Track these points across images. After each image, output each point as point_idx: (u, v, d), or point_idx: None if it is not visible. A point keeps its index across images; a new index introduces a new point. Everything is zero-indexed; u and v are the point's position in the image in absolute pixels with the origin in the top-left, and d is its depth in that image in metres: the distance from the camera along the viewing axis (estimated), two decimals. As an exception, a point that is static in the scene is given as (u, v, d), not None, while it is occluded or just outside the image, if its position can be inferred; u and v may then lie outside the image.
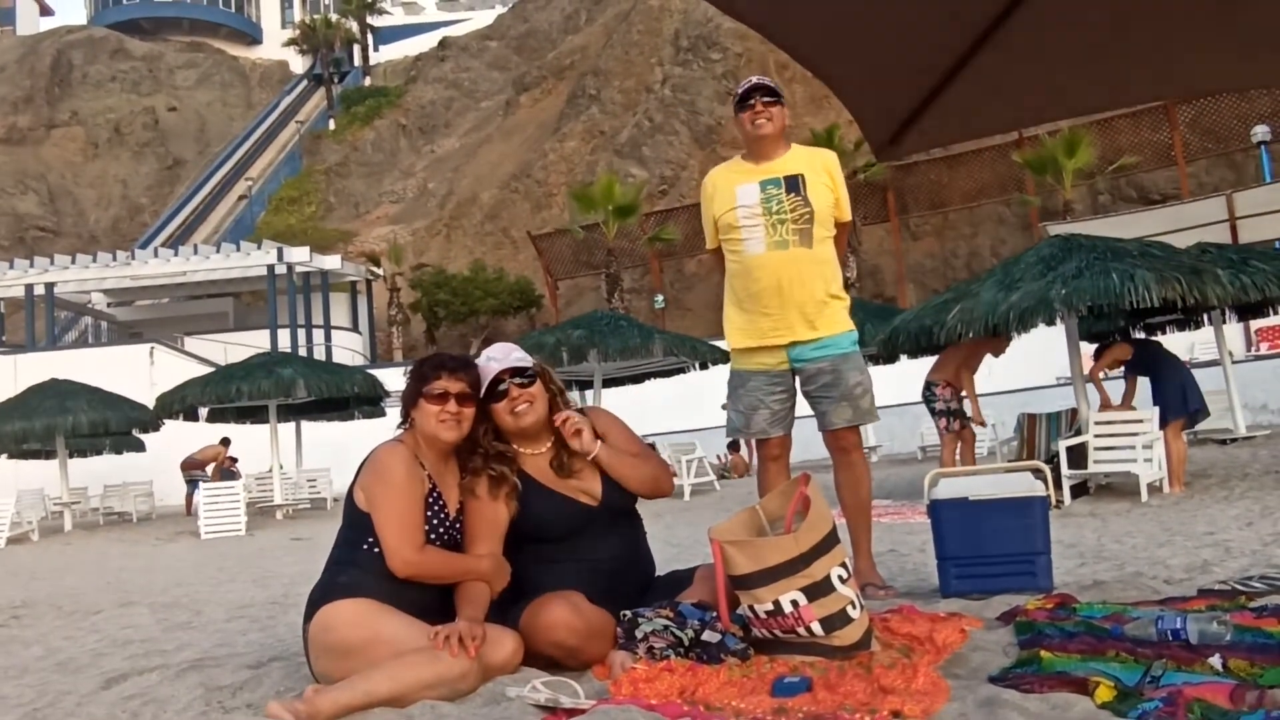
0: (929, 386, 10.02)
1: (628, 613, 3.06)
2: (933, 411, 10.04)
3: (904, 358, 11.35)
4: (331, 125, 55.60)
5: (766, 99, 4.28)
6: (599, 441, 3.28)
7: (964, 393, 10.09)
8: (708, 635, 2.98)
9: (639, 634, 3.00)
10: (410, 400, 3.19)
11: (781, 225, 4.23)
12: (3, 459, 21.39)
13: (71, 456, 20.81)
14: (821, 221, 4.29)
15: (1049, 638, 2.85)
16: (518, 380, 3.25)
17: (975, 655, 2.82)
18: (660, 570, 3.54)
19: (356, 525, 3.07)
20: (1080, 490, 9.28)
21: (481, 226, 40.80)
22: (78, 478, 21.26)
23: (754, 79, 4.43)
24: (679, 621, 3.03)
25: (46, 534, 18.07)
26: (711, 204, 4.41)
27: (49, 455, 20.11)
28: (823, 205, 4.30)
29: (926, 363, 11.58)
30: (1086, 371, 9.69)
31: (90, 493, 21.79)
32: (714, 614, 3.04)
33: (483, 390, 3.20)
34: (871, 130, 3.26)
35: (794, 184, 4.27)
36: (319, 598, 3.01)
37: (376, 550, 3.01)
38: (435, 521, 3.11)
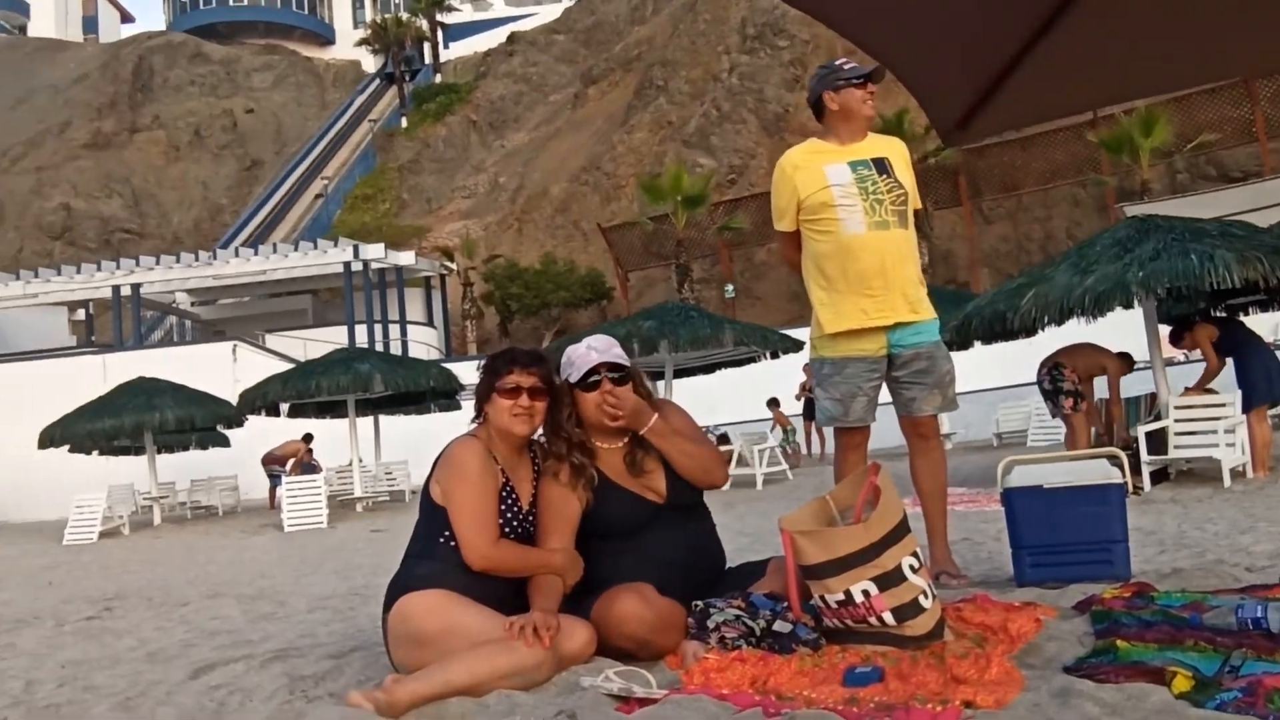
0: (1058, 366, 9.79)
1: (699, 603, 3.09)
2: (1059, 392, 9.80)
3: (977, 344, 11.20)
4: (404, 123, 56.32)
5: (873, 85, 4.26)
6: (654, 415, 3.29)
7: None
8: (779, 625, 2.99)
9: (711, 624, 3.02)
10: (483, 394, 3.25)
11: (880, 206, 4.18)
12: (95, 455, 22.12)
13: (160, 452, 21.44)
14: (911, 203, 4.28)
15: (1125, 627, 2.81)
16: (612, 375, 3.29)
17: (1050, 645, 2.80)
18: (733, 562, 3.55)
19: (432, 519, 3.14)
20: (1160, 476, 9.08)
21: (552, 220, 41.05)
22: (166, 473, 21.91)
23: (851, 61, 4.34)
24: (750, 612, 3.05)
25: (137, 528, 18.65)
26: (793, 183, 4.31)
27: (138, 451, 20.72)
28: (910, 188, 4.29)
29: (1001, 349, 11.39)
30: (1165, 354, 9.47)
31: (178, 487, 22.45)
32: (785, 604, 3.05)
33: (579, 376, 3.24)
34: (938, 115, 3.23)
35: (882, 166, 4.24)
36: (397, 589, 3.09)
37: (453, 544, 3.08)
38: (509, 515, 3.17)
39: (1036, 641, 2.83)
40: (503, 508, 3.16)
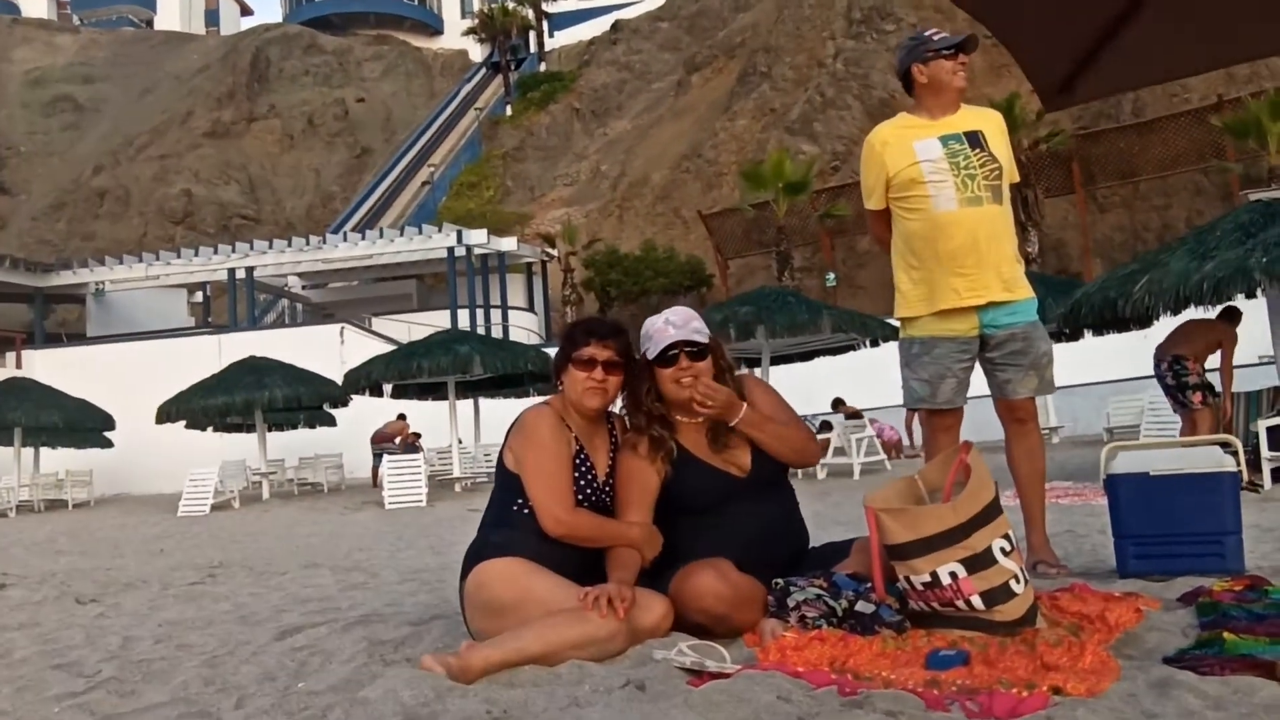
0: (1179, 360, 9.43)
1: (780, 581, 3.01)
2: (1184, 387, 9.44)
3: (1088, 334, 10.83)
4: (508, 111, 56.91)
5: (964, 55, 4.10)
6: (744, 405, 3.21)
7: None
8: (862, 606, 2.90)
9: (791, 602, 2.94)
10: (560, 364, 3.22)
11: (972, 181, 4.02)
12: (210, 432, 22.93)
13: (270, 430, 22.12)
14: (1007, 178, 4.11)
15: (1234, 619, 2.65)
16: (689, 350, 3.22)
17: (1151, 636, 2.65)
18: (813, 541, 3.46)
19: (507, 487, 3.13)
20: (1283, 474, 8.63)
21: (653, 207, 41.03)
22: (275, 450, 22.59)
23: (941, 32, 4.19)
24: (833, 591, 2.96)
25: (246, 502, 19.26)
26: (883, 160, 4.17)
27: (249, 429, 21.41)
28: (1006, 161, 4.12)
29: (1112, 339, 10.99)
30: None
31: (286, 464, 23.12)
32: (869, 585, 2.95)
33: (656, 352, 3.19)
34: (1038, 76, 3.10)
35: (975, 139, 4.07)
36: (473, 556, 3.09)
37: (527, 511, 3.05)
38: (584, 484, 3.13)
39: (1136, 632, 2.68)
40: (577, 476, 3.12)
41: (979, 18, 2.94)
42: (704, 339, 3.25)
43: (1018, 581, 2.77)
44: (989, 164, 4.06)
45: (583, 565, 3.03)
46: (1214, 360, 9.71)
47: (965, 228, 4.03)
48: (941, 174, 4.05)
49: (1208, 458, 3.66)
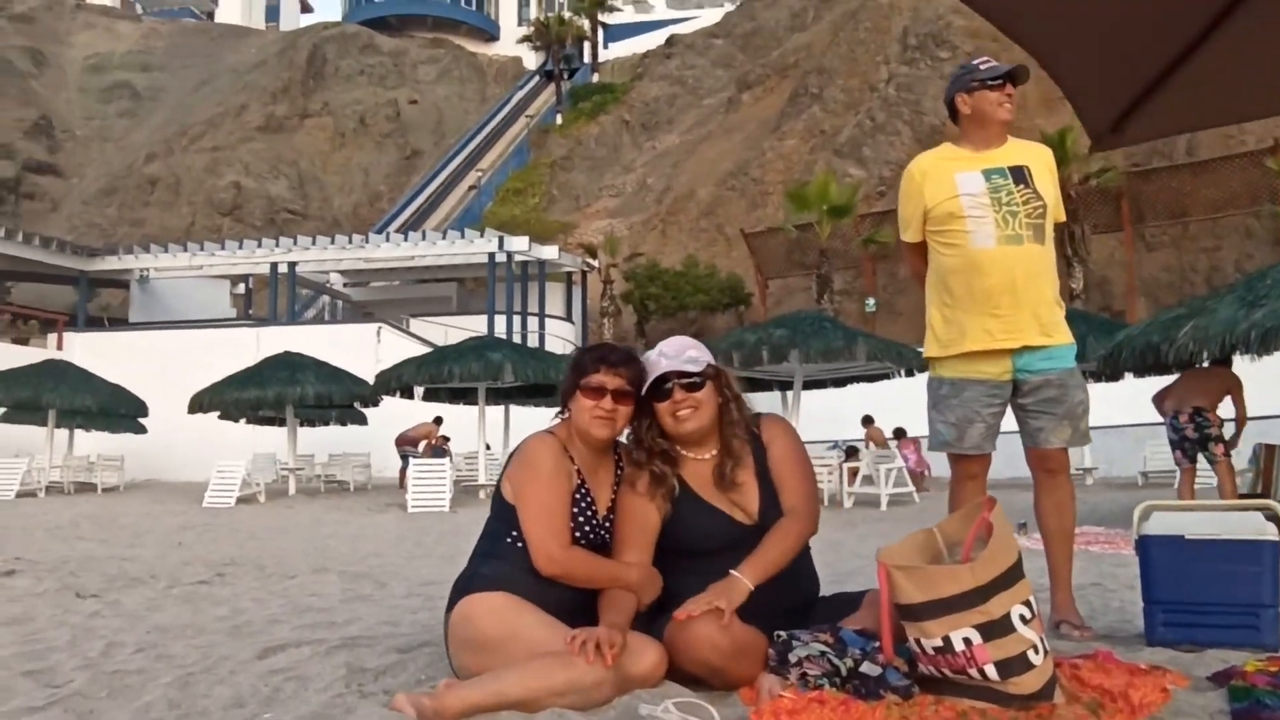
0: (1200, 413, 9.26)
1: (783, 634, 2.84)
2: (1208, 439, 9.29)
3: (1128, 374, 10.56)
4: (559, 120, 57.08)
5: (1013, 86, 3.93)
6: (744, 590, 2.89)
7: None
8: (867, 667, 2.72)
9: (793, 658, 2.77)
10: (568, 390, 3.08)
11: (1014, 218, 3.83)
12: (243, 424, 23.04)
13: (301, 425, 22.19)
14: (1051, 216, 3.92)
15: (1269, 709, 2.45)
16: (684, 382, 3.07)
17: (1176, 721, 2.46)
18: (838, 587, 3.29)
19: (502, 517, 2.99)
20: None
21: (697, 223, 40.90)
22: (306, 445, 22.66)
23: (990, 61, 4.03)
24: (838, 649, 2.79)
25: (273, 496, 19.29)
26: (922, 191, 3.99)
27: (282, 423, 21.47)
28: (1051, 200, 3.92)
29: (1152, 382, 10.72)
30: None
31: (316, 460, 23.17)
32: (877, 644, 2.77)
33: (645, 388, 3.04)
34: (1090, 116, 2.94)
35: (1020, 175, 3.88)
36: (461, 588, 2.95)
37: (521, 545, 2.91)
38: (582, 520, 2.98)
39: (1160, 716, 2.49)
40: (575, 511, 2.97)
41: (1032, 51, 2.78)
42: (698, 368, 3.08)
43: (1036, 652, 2.59)
44: (1033, 201, 3.88)
45: (576, 605, 2.88)
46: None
47: (1003, 266, 3.85)
48: (982, 209, 3.87)
49: (1247, 524, 3.45)
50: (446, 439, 21.85)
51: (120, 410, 22.79)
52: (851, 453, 16.47)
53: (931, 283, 4.10)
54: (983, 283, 3.86)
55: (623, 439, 3.18)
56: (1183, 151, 30.21)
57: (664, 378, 3.05)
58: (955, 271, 3.95)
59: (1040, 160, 4.02)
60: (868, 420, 18.88)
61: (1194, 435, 9.30)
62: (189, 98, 59.49)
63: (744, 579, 2.90)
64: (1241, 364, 9.50)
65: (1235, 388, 9.36)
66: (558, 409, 3.14)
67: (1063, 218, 4.06)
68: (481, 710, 2.52)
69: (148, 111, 60.00)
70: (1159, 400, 9.88)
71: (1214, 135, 29.76)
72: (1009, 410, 4.04)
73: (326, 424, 24.30)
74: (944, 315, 4.01)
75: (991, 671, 2.56)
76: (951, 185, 3.94)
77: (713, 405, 3.10)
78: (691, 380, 3.07)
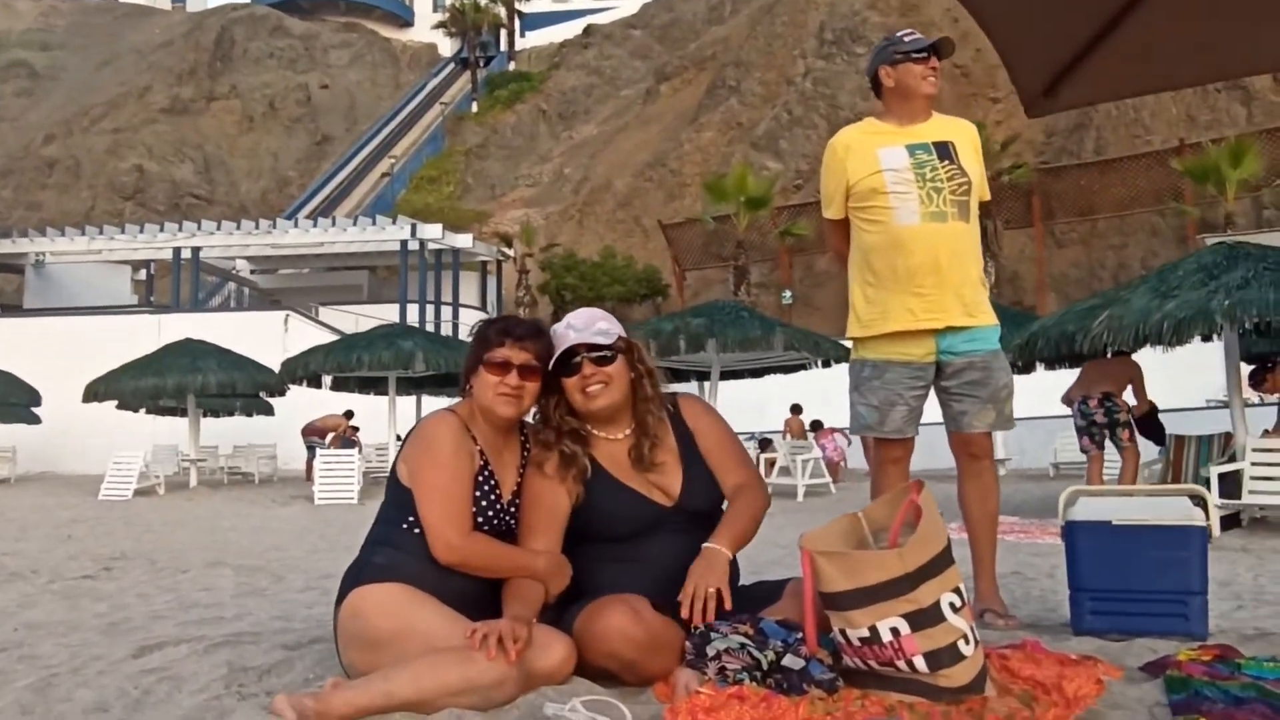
0: (1109, 398, 9.35)
1: (700, 625, 2.66)
2: (1116, 425, 9.38)
3: (1040, 368, 10.64)
4: (474, 108, 56.36)
5: (938, 59, 3.79)
6: (726, 558, 2.79)
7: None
8: (790, 660, 2.55)
9: (711, 651, 2.58)
10: (470, 366, 2.84)
11: (938, 195, 3.69)
12: (143, 414, 22.20)
13: (205, 416, 21.45)
14: (976, 194, 3.79)
15: (1209, 700, 2.33)
16: (594, 356, 2.86)
17: (1114, 715, 2.32)
18: (748, 579, 3.11)
19: (398, 502, 2.74)
20: (1231, 522, 8.46)
21: (614, 214, 40.71)
22: (209, 437, 21.90)
23: (914, 33, 3.88)
24: (759, 641, 2.61)
25: (173, 489, 18.59)
26: (845, 166, 3.84)
27: (183, 413, 20.73)
28: (976, 177, 3.80)
29: (1064, 375, 10.83)
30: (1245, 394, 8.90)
31: (220, 452, 22.44)
32: (800, 636, 2.60)
33: (552, 362, 2.82)
34: (1024, 80, 2.81)
35: (945, 151, 3.75)
36: (351, 578, 2.70)
37: (417, 531, 2.67)
38: (485, 504, 2.75)
39: (1097, 709, 2.36)
40: (478, 495, 2.74)
41: (970, 10, 2.63)
42: (608, 340, 2.88)
43: (967, 642, 2.44)
44: (957, 177, 3.75)
45: (478, 597, 2.65)
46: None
47: (926, 244, 3.71)
48: (905, 185, 3.73)
49: (1175, 509, 3.36)
50: (355, 429, 21.33)
51: (11, 399, 21.80)
52: (765, 444, 16.44)
53: (854, 261, 3.95)
54: (906, 261, 3.73)
55: (529, 419, 2.95)
56: (1091, 150, 30.93)
57: (572, 351, 2.83)
58: (878, 249, 3.81)
59: (965, 136, 3.89)
60: (796, 409, 18.89)
61: (1103, 420, 9.41)
62: (90, 78, 57.37)
63: (722, 548, 2.76)
64: (1153, 355, 9.62)
65: (1137, 376, 9.51)
66: (460, 387, 2.91)
67: (988, 196, 3.95)
68: (369, 712, 2.28)
69: (46, 91, 57.72)
70: (1067, 395, 9.99)
71: (1121, 135, 30.56)
72: (931, 395, 3.92)
73: (231, 414, 23.52)
74: (866, 295, 3.87)
75: (920, 663, 2.40)
76: (874, 160, 3.79)
77: (625, 380, 2.90)
78: (602, 354, 2.86)
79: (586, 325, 2.88)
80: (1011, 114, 33.34)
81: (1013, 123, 32.53)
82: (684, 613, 2.65)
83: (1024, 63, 2.74)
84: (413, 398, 19.82)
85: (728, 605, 2.67)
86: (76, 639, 3.64)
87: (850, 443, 17.48)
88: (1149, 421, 9.73)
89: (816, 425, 18.55)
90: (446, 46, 64.92)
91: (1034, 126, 32.95)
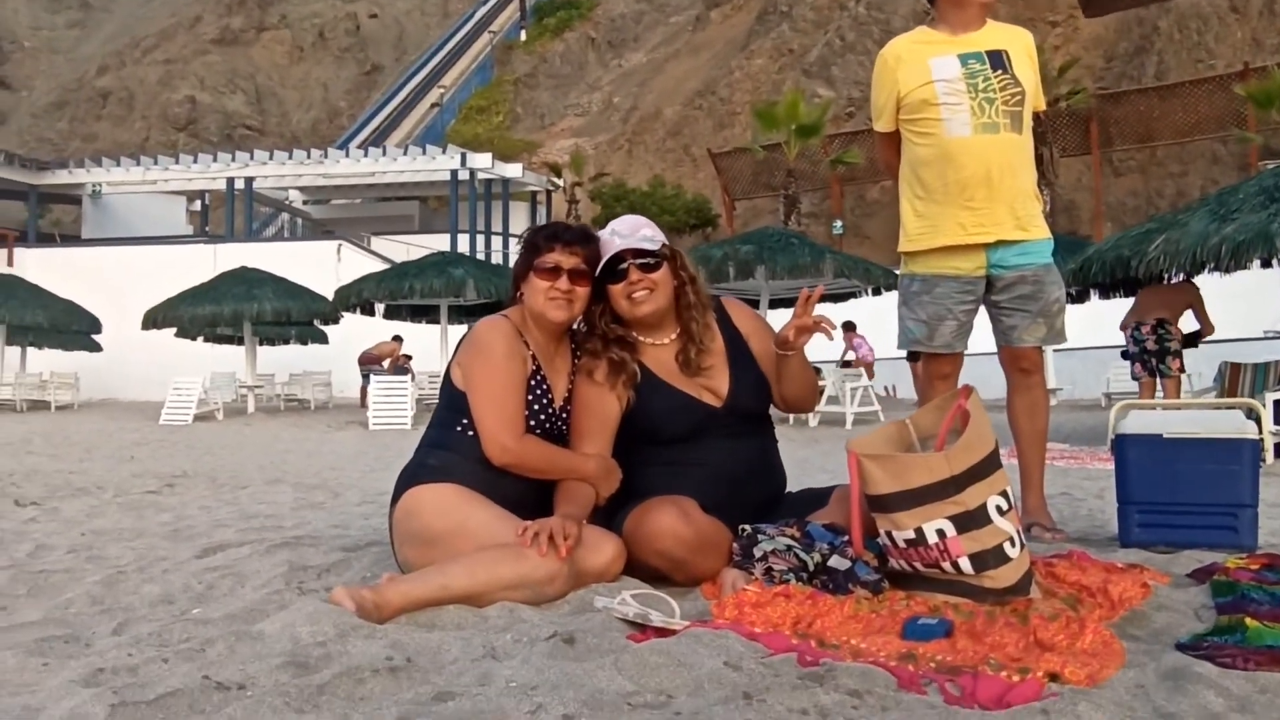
0: (1163, 324, 9.22)
1: (747, 527, 2.70)
2: (1166, 352, 9.25)
3: (1094, 296, 10.49)
4: (523, 36, 55.79)
5: None
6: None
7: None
8: (836, 561, 2.59)
9: (757, 552, 2.63)
10: (520, 272, 2.87)
11: (990, 105, 3.61)
12: (200, 342, 22.62)
13: (261, 344, 21.82)
14: (1030, 104, 3.71)
15: (1255, 603, 2.33)
16: (639, 262, 2.87)
17: (1159, 615, 2.33)
18: (795, 486, 3.14)
19: (452, 405, 2.79)
20: (1286, 450, 8.33)
21: (663, 143, 40.35)
22: (266, 365, 22.30)
23: None
24: (805, 543, 2.65)
25: (231, 414, 19.01)
26: (895, 77, 3.76)
27: (240, 341, 21.09)
28: (1030, 86, 3.70)
29: (1117, 304, 10.67)
30: None
31: (276, 379, 22.85)
32: (846, 538, 2.64)
33: (599, 268, 2.84)
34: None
35: (998, 59, 3.66)
36: (406, 479, 2.76)
37: (471, 433, 2.72)
38: (537, 408, 2.79)
39: (1142, 610, 2.37)
40: (531, 399, 2.78)
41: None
42: (654, 246, 2.89)
43: (1013, 545, 2.45)
44: (1010, 87, 3.66)
45: (529, 499, 2.70)
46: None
47: (978, 157, 3.65)
48: (957, 96, 3.66)
49: (1228, 422, 3.33)
50: (409, 357, 21.56)
51: (73, 327, 22.29)
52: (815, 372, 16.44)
53: (904, 175, 3.90)
54: (956, 174, 3.67)
55: (577, 327, 2.99)
56: (1151, 75, 30.04)
57: (618, 257, 2.85)
58: (928, 162, 3.75)
59: (1020, 44, 3.80)
60: (849, 326, 18.78)
61: (1154, 347, 9.30)
62: (141, 8, 57.62)
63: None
64: (1209, 282, 9.44)
65: (1197, 301, 9.34)
66: (510, 294, 2.94)
67: (1043, 106, 3.87)
68: (425, 604, 2.35)
69: (98, 23, 58.12)
70: (1124, 321, 9.85)
71: (1184, 59, 29.61)
72: (983, 314, 3.89)
73: (286, 342, 23.90)
74: (916, 209, 3.83)
75: (965, 565, 2.43)
76: (925, 70, 3.72)
77: (669, 287, 2.92)
78: (646, 260, 2.87)
79: (631, 231, 2.89)
80: (1070, 38, 32.44)
81: (1071, 47, 31.65)
82: (799, 303, 2.80)
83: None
84: (464, 326, 19.93)
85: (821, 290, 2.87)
86: (142, 543, 3.77)
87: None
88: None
89: (849, 325, 18.48)
90: (494, -27, 64.19)
91: (1093, 51, 32.04)
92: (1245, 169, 26.36)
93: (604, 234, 2.91)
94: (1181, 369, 9.32)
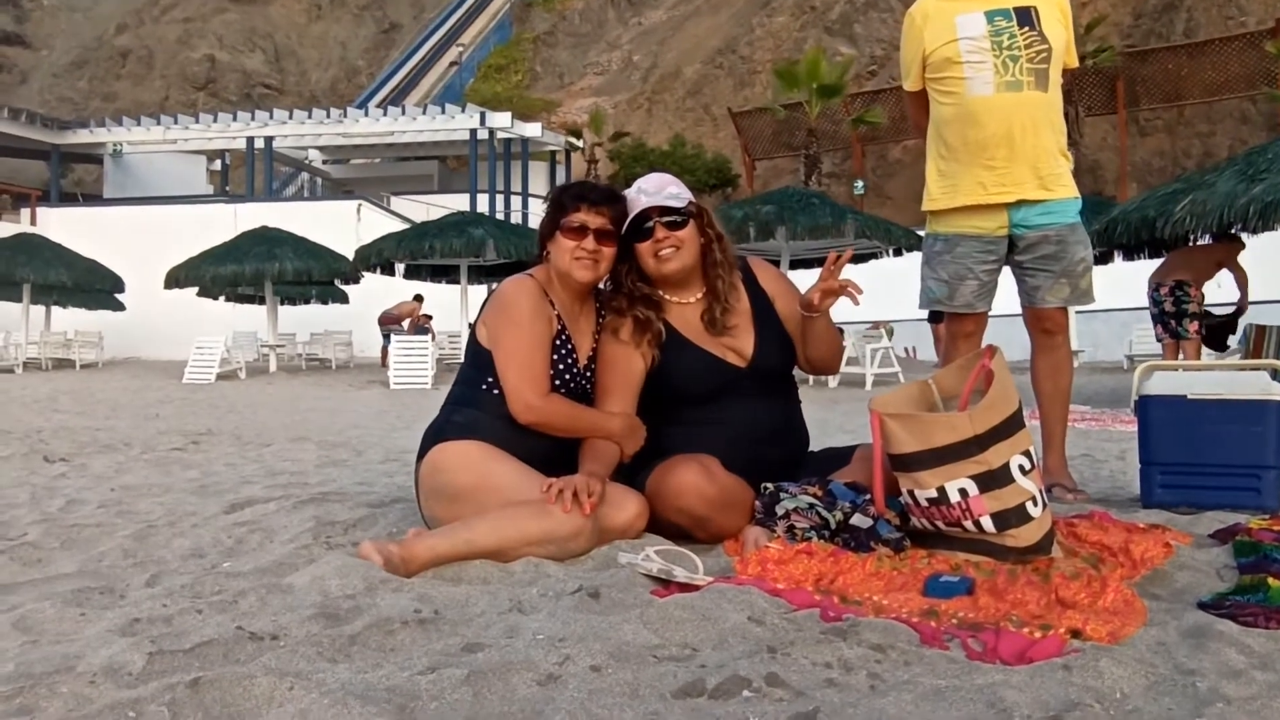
0: (1182, 286, 9.12)
1: (769, 485, 2.72)
2: (1183, 315, 9.17)
3: (1118, 257, 10.40)
4: (543, -7, 55.32)
5: None
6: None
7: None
8: (858, 519, 2.61)
9: (780, 510, 2.65)
10: (546, 231, 2.87)
11: (1014, 63, 3.57)
12: (222, 301, 22.75)
13: (282, 304, 21.91)
14: (1058, 62, 3.66)
15: (1278, 563, 2.34)
16: (666, 220, 2.86)
17: (1181, 575, 2.34)
18: (815, 447, 3.16)
19: (478, 363, 2.82)
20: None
21: (683, 102, 40.06)
22: (287, 324, 22.42)
23: None
24: (827, 501, 2.67)
25: (253, 374, 19.15)
26: (922, 35, 3.73)
27: (262, 301, 21.20)
28: (1059, 43, 3.65)
29: (1141, 265, 10.59)
30: None
31: (297, 339, 22.98)
32: (868, 497, 2.65)
33: (625, 226, 2.84)
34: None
35: (1025, 16, 3.61)
36: (432, 435, 2.79)
37: (496, 391, 2.75)
38: (562, 367, 2.81)
39: (1164, 569, 2.38)
40: (556, 358, 2.80)
41: None
42: (680, 204, 2.88)
43: (1035, 504, 2.46)
44: (1036, 44, 3.62)
45: (553, 456, 2.73)
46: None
47: (999, 115, 3.62)
48: (981, 54, 3.62)
49: (1253, 384, 3.31)
50: (429, 317, 21.64)
51: (96, 286, 22.44)
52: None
53: (930, 134, 3.88)
54: (977, 133, 3.65)
55: (602, 286, 3.00)
56: (1180, 33, 29.56)
57: (644, 215, 2.84)
58: (950, 122, 3.73)
59: (1051, 0, 3.75)
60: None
61: (1171, 309, 9.22)
62: (158, -35, 57.29)
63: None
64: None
65: (1229, 257, 9.20)
66: (536, 254, 2.95)
67: (1074, 63, 3.82)
68: (451, 559, 2.39)
69: (116, -20, 57.83)
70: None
71: (1213, 15, 29.12)
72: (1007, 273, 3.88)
73: (308, 302, 24.01)
74: (939, 168, 3.81)
75: (988, 524, 2.44)
76: (951, 28, 3.68)
77: (695, 245, 2.91)
78: (673, 218, 2.87)
79: (658, 189, 2.89)
80: (1099, -5, 31.94)
81: (1099, 4, 31.16)
82: (826, 265, 2.86)
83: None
84: (484, 286, 19.98)
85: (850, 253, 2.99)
86: (170, 499, 3.82)
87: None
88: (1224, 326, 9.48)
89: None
90: (513, -71, 63.53)
91: (1121, 8, 31.54)
92: (1275, 128, 25.99)
93: (630, 192, 2.91)
94: (1199, 332, 9.21)
